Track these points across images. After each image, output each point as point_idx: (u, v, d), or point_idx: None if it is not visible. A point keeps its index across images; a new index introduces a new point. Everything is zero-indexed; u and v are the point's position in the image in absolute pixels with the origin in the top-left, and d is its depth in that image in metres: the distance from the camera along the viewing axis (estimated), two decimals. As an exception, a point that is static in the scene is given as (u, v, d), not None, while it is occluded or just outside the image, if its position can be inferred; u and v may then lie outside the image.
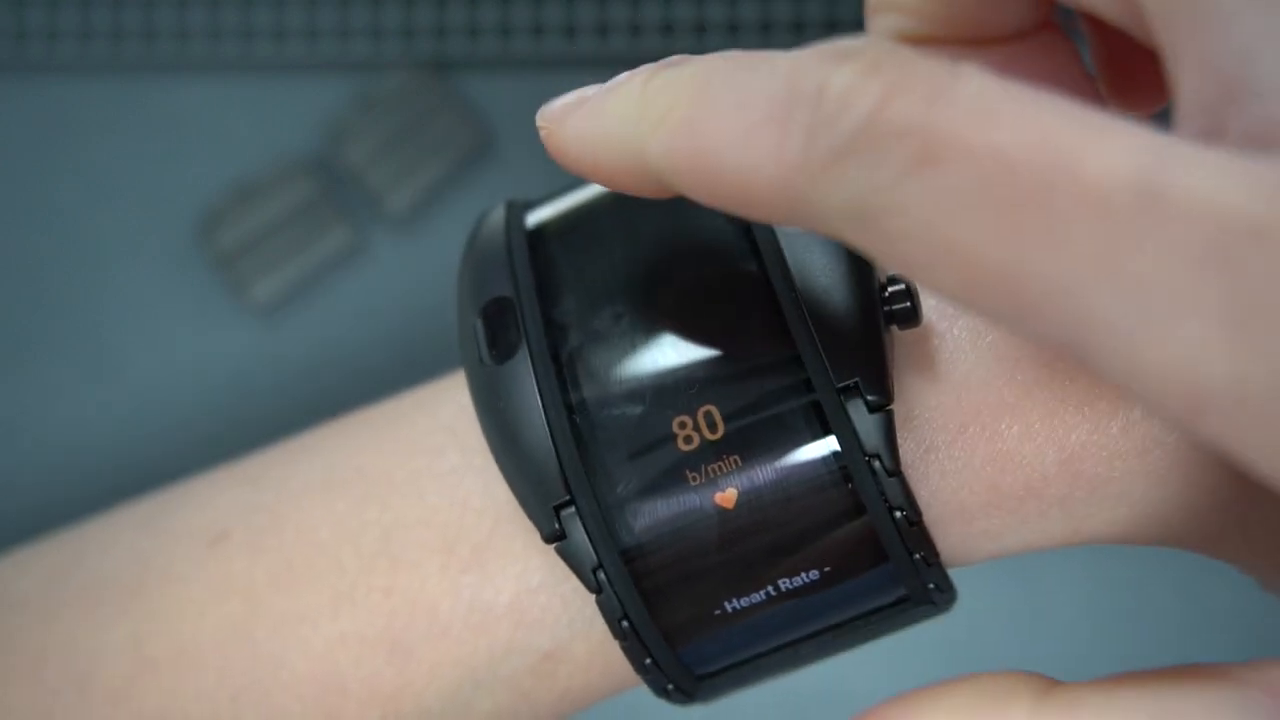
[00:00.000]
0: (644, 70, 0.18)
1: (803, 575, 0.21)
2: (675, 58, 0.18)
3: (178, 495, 0.28)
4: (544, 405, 0.22)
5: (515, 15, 0.43)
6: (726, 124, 0.16)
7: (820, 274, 0.21)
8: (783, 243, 0.22)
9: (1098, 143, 0.14)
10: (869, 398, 0.21)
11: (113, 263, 0.43)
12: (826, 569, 0.21)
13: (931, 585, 0.22)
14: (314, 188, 0.42)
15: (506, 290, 0.23)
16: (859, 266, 0.21)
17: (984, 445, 0.22)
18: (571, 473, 0.21)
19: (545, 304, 0.23)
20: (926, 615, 0.22)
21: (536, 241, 0.25)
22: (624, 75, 0.19)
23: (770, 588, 0.21)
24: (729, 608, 0.22)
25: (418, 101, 0.43)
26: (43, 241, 0.43)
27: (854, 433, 0.20)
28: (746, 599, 0.21)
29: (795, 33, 0.42)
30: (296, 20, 0.43)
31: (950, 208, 0.14)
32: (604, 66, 0.43)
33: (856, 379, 0.20)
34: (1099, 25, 0.22)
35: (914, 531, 0.21)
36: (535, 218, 0.26)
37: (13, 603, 0.28)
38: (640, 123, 0.18)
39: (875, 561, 0.21)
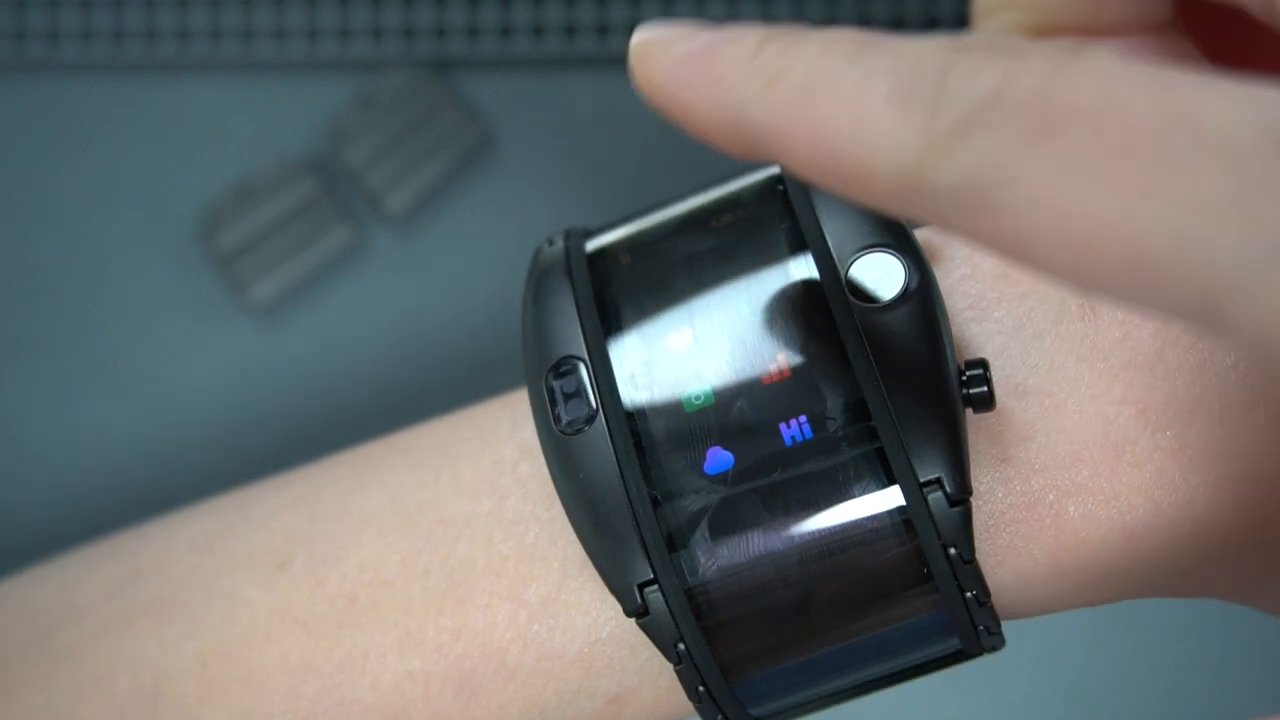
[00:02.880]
0: (758, 30, 0.18)
1: (871, 635, 0.22)
2: (794, 26, 0.18)
3: (233, 514, 0.28)
4: (625, 484, 0.22)
5: (515, 15, 0.43)
6: (846, 97, 0.16)
7: (900, 354, 0.22)
8: (862, 325, 0.22)
9: (1222, 96, 0.14)
10: (949, 492, 0.21)
11: (112, 262, 0.43)
12: (893, 628, 0.22)
13: (988, 644, 0.23)
14: (314, 188, 0.42)
15: (577, 349, 0.23)
16: (939, 350, 0.22)
17: (1050, 523, 0.23)
18: (656, 554, 0.22)
19: (618, 365, 0.23)
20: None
21: (602, 282, 0.24)
22: (737, 29, 0.18)
23: (839, 648, 0.22)
24: (797, 668, 0.22)
25: (418, 101, 0.43)
26: (42, 241, 0.43)
27: (935, 528, 0.21)
28: (814, 657, 0.22)
29: (795, 33, 0.42)
30: (297, 20, 0.43)
31: (1071, 172, 0.14)
32: (604, 67, 0.43)
33: (939, 475, 0.21)
34: (1215, 29, 0.23)
35: (983, 611, 0.22)
36: (596, 247, 0.25)
37: (72, 613, 0.28)
38: (750, 79, 0.17)
39: (943, 633, 0.22)
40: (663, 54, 0.19)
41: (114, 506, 0.35)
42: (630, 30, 0.43)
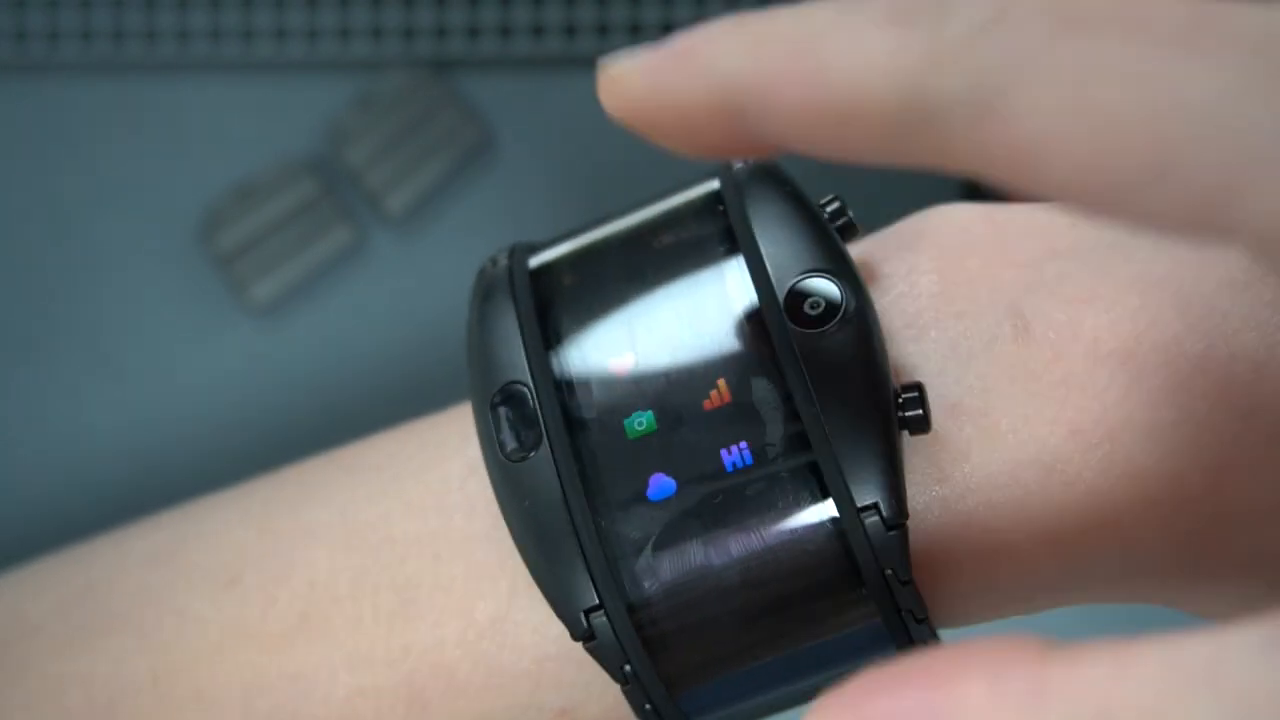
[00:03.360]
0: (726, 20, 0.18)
1: (808, 644, 0.23)
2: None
3: (186, 529, 0.28)
4: (570, 511, 0.22)
5: (515, 15, 0.43)
6: (840, 31, 0.16)
7: (838, 378, 0.22)
8: (800, 351, 0.22)
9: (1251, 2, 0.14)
10: (886, 516, 0.22)
11: (112, 262, 0.43)
12: (832, 638, 0.23)
13: (922, 644, 0.23)
14: (314, 188, 0.42)
15: (521, 375, 0.24)
16: (877, 375, 0.22)
17: (984, 540, 0.23)
18: (601, 580, 0.22)
19: (562, 390, 0.23)
20: None
21: (545, 302, 0.25)
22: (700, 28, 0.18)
23: (779, 657, 0.23)
24: (739, 679, 0.23)
25: (418, 101, 0.43)
26: (42, 241, 0.43)
27: (872, 552, 0.21)
28: (754, 668, 0.23)
29: (795, 33, 0.42)
30: (297, 20, 0.43)
31: (1097, 67, 0.14)
32: (604, 66, 0.43)
33: (876, 500, 0.21)
34: None
35: (921, 628, 0.22)
36: (540, 264, 0.25)
37: (25, 629, 0.28)
38: (738, 45, 0.17)
39: (882, 644, 0.23)
40: (640, 61, 0.19)
41: (114, 505, 0.35)
42: (630, 30, 0.43)
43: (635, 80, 0.18)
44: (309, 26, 0.43)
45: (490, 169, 0.43)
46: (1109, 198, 0.14)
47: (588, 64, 0.44)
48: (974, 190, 0.41)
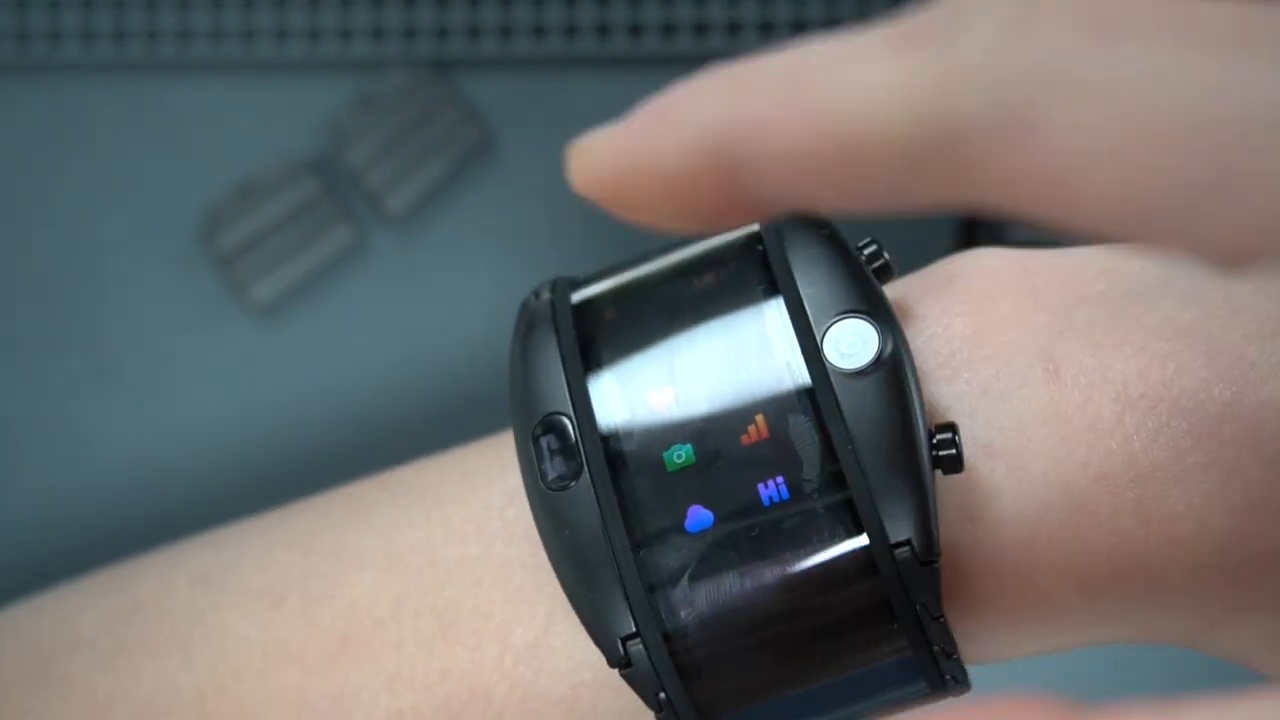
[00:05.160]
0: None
1: (838, 676, 0.23)
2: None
3: (232, 551, 0.29)
4: (609, 540, 0.23)
5: (515, 15, 0.43)
6: (838, 62, 0.14)
7: (873, 418, 0.23)
8: (837, 390, 0.23)
9: None
10: (918, 553, 0.22)
11: (113, 262, 0.43)
12: (862, 672, 0.23)
13: (954, 691, 0.24)
14: (314, 188, 0.42)
15: (563, 406, 0.24)
16: (911, 415, 0.23)
17: (1014, 579, 0.24)
18: (638, 609, 0.22)
19: (601, 418, 0.24)
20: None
21: (587, 336, 0.25)
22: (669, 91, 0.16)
23: (810, 688, 0.23)
24: (770, 708, 0.23)
25: (418, 101, 0.43)
26: (43, 241, 0.43)
27: (905, 589, 0.22)
28: (785, 698, 0.23)
29: (796, 31, 0.42)
30: (297, 20, 0.43)
31: (1139, 70, 0.13)
32: (604, 66, 0.43)
33: (909, 537, 0.22)
34: None
35: (951, 663, 0.23)
36: (582, 299, 0.26)
37: (72, 643, 0.28)
38: (725, 93, 0.15)
39: (912, 677, 0.23)
40: (612, 130, 0.16)
41: (113, 506, 0.35)
42: (630, 30, 0.43)
43: (607, 149, 0.16)
44: (309, 26, 0.43)
45: (490, 169, 0.43)
46: (1156, 222, 0.13)
47: (588, 64, 0.44)
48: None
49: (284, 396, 0.42)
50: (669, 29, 0.43)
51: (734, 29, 0.43)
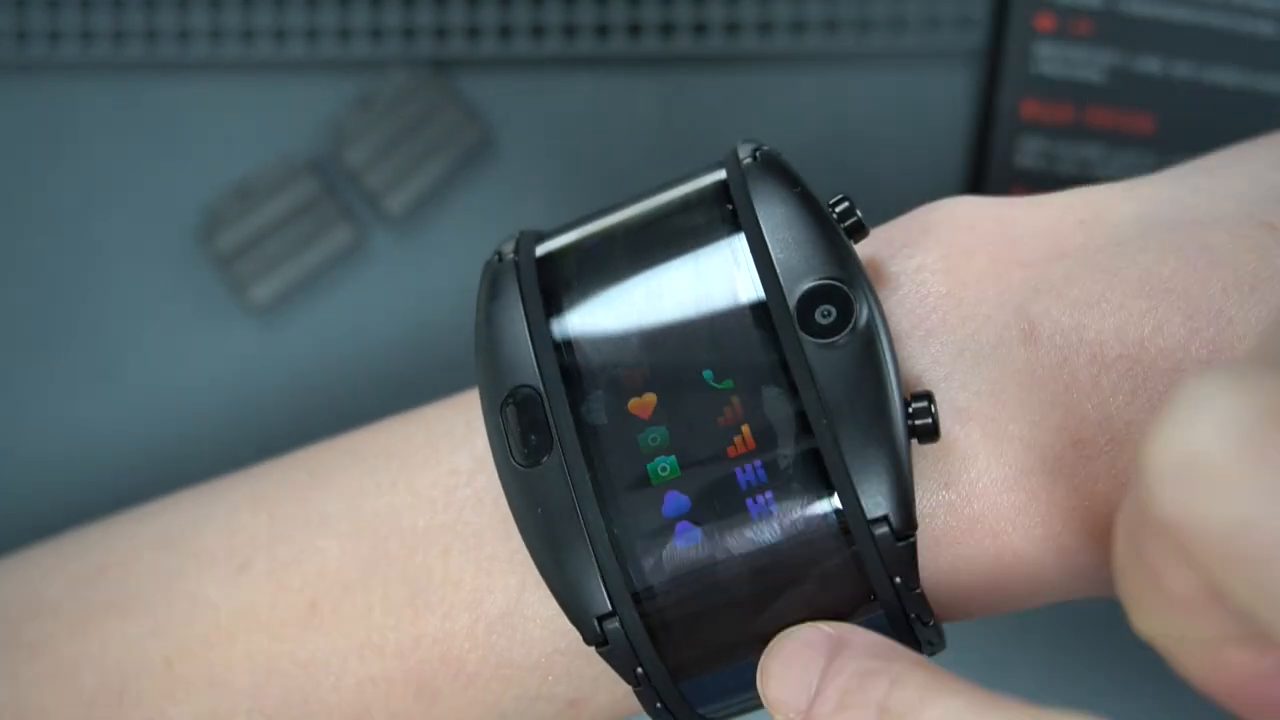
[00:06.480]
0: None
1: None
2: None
3: (197, 513, 0.28)
4: (584, 519, 0.23)
5: (515, 15, 0.43)
6: None
7: (848, 388, 0.22)
8: (811, 361, 0.22)
9: None
10: (895, 527, 0.22)
11: (112, 262, 0.43)
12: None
13: (928, 652, 0.24)
14: (314, 188, 0.42)
15: (531, 379, 0.23)
16: (887, 386, 0.22)
17: (990, 543, 0.24)
18: (615, 589, 0.22)
19: (572, 392, 0.23)
20: None
21: (553, 298, 0.24)
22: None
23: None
24: (746, 674, 0.23)
25: (418, 101, 0.43)
26: (42, 241, 0.43)
27: (883, 563, 0.22)
28: (756, 661, 0.23)
29: (795, 32, 0.42)
30: (297, 20, 0.43)
31: None
32: (604, 66, 0.43)
33: (886, 513, 0.22)
34: None
35: (928, 629, 0.23)
36: (546, 253, 0.25)
37: (39, 608, 0.28)
38: None
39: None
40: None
41: (113, 505, 0.35)
42: (630, 30, 0.43)
43: None
44: (309, 26, 0.43)
45: (490, 169, 0.43)
46: None
47: (588, 64, 0.44)
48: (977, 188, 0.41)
49: (283, 396, 0.42)
50: (668, 29, 0.43)
51: (733, 29, 0.43)
